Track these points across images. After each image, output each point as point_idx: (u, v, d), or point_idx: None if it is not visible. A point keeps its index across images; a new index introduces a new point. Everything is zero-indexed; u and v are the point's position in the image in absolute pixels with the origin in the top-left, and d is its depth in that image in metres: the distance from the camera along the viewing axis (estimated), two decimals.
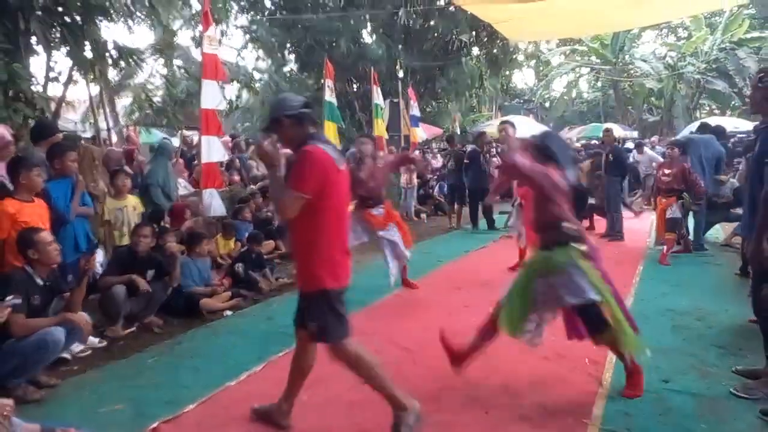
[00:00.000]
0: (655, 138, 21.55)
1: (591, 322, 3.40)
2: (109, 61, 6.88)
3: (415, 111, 13.79)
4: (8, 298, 3.47)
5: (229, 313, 5.53)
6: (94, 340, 4.55)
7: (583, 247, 3.46)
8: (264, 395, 3.62)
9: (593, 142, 18.78)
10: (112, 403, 3.53)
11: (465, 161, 10.70)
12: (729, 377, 3.77)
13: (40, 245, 3.77)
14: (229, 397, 3.65)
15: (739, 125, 19.32)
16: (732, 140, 14.56)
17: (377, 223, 5.88)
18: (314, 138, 2.92)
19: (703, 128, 9.26)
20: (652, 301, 5.63)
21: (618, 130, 23.83)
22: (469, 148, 11.64)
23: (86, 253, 4.11)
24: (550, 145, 3.61)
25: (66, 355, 4.19)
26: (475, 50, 19.52)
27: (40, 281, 3.81)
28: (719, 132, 9.00)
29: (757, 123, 4.07)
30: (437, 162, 15.74)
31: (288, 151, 3.07)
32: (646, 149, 14.01)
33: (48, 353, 3.63)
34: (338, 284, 2.96)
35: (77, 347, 4.33)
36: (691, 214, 7.98)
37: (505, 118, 9.77)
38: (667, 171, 7.55)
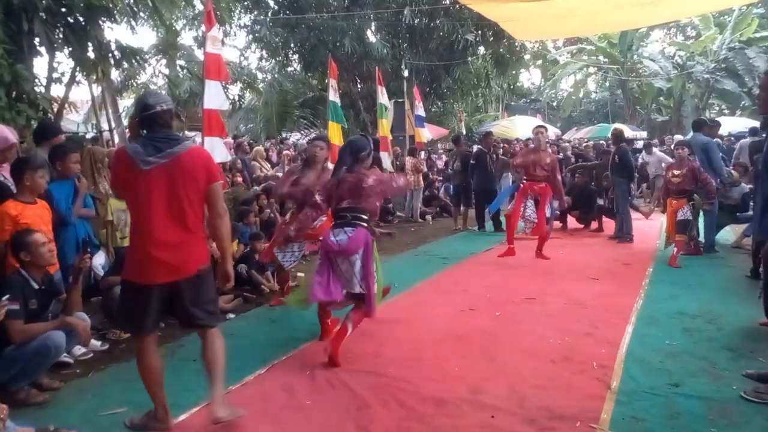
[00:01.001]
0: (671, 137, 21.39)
1: None
2: (112, 61, 6.85)
3: (420, 111, 13.73)
4: (5, 297, 3.45)
5: (231, 316, 5.49)
6: (96, 343, 4.51)
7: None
8: (267, 399, 3.60)
9: (601, 142, 18.68)
10: (114, 406, 3.50)
11: (471, 162, 10.63)
12: (740, 380, 3.72)
13: (33, 247, 3.71)
14: (232, 400, 3.57)
15: (748, 125, 19.18)
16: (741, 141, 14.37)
17: (317, 232, 5.19)
18: (139, 138, 3.10)
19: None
20: (662, 303, 5.57)
21: (626, 131, 23.75)
22: (476, 148, 11.56)
23: (80, 252, 4.07)
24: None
25: (68, 358, 4.17)
26: (481, 49, 19.48)
27: (35, 285, 3.76)
28: (698, 124, 8.77)
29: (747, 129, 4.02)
30: (441, 162, 15.69)
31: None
32: (655, 150, 13.89)
33: (50, 358, 3.61)
34: (133, 278, 3.11)
35: (79, 350, 4.30)
36: (702, 215, 7.90)
37: (539, 123, 9.94)
38: (676, 172, 7.46)
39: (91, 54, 6.61)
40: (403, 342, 4.57)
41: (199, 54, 15.78)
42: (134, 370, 4.07)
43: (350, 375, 3.95)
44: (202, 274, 3.15)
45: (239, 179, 9.61)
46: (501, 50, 19.08)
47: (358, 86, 18.83)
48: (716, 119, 12.27)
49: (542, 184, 7.53)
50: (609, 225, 9.92)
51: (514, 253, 7.59)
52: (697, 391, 3.59)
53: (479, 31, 17.95)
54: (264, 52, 19.55)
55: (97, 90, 9.05)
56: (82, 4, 5.96)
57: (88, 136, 9.28)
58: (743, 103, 28.41)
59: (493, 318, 5.24)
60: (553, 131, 24.72)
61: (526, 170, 7.68)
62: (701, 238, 8.08)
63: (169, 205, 3.02)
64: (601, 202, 10.27)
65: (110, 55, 6.79)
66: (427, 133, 15.49)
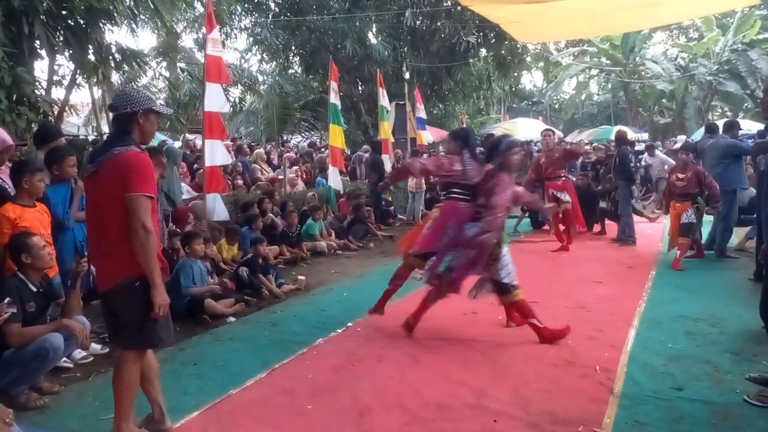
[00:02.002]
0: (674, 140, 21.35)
1: None
2: (113, 64, 6.86)
3: (422, 113, 13.72)
4: (6, 300, 3.44)
5: (232, 319, 5.47)
6: (96, 347, 4.51)
7: None
8: (267, 403, 3.59)
9: (601, 144, 18.62)
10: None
11: None
12: (743, 384, 3.69)
13: (33, 249, 3.71)
14: (233, 404, 3.59)
15: (752, 127, 19.14)
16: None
17: None
18: None
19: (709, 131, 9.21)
20: (664, 306, 5.54)
21: (629, 133, 23.63)
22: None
23: (76, 256, 4.06)
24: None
25: (68, 362, 4.16)
26: (483, 51, 19.45)
27: (33, 288, 3.75)
28: (713, 129, 8.94)
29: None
30: None
31: None
32: (658, 152, 13.85)
33: (48, 360, 3.59)
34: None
35: (79, 354, 4.30)
36: (715, 223, 7.93)
37: (545, 126, 10.31)
38: (681, 175, 7.42)
39: (91, 57, 6.62)
40: (405, 346, 4.55)
41: (200, 56, 15.76)
42: None
43: (352, 379, 3.93)
44: (119, 288, 2.96)
45: (240, 182, 9.60)
46: (503, 52, 19.06)
47: (360, 88, 18.82)
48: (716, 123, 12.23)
49: (561, 180, 8.45)
50: (612, 228, 9.89)
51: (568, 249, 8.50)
52: (699, 394, 3.58)
53: (481, 33, 17.92)
54: (265, 55, 19.56)
55: (97, 93, 9.06)
56: (82, 7, 5.96)
57: (89, 138, 9.27)
58: (746, 105, 28.38)
59: (496, 321, 5.21)
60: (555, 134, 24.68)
61: (540, 174, 8.63)
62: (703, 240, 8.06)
63: (94, 213, 3.03)
64: (603, 204, 10.22)
65: (111, 57, 6.79)
66: (428, 136, 15.48)
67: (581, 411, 3.39)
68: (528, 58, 26.81)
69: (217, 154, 6.52)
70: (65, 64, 7.38)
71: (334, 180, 10.02)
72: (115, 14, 6.69)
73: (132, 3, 7.27)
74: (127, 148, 2.93)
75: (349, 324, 5.17)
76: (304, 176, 11.92)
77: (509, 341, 4.67)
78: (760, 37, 25.53)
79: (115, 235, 2.91)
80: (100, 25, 6.41)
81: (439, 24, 17.69)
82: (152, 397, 3.22)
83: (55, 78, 6.73)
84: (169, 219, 6.83)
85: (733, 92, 26.54)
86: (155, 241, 2.91)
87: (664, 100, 31.91)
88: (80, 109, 13.72)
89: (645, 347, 4.42)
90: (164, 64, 16.10)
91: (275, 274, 6.65)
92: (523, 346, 4.55)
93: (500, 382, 3.83)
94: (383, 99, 11.84)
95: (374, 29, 18.26)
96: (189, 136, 12.08)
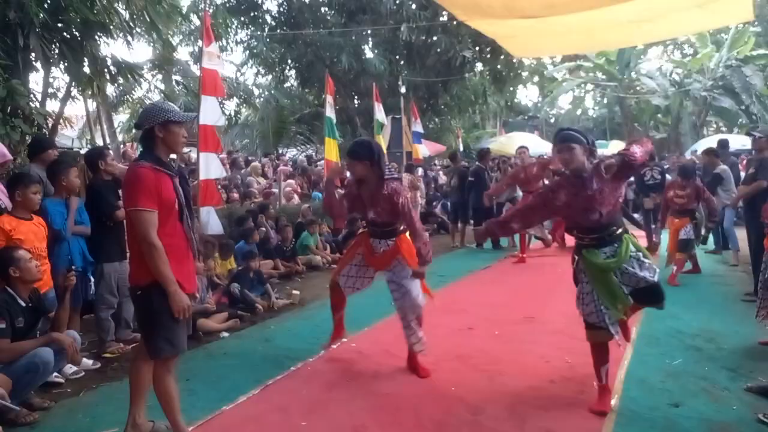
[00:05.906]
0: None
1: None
2: (108, 77, 6.86)
3: (418, 127, 13.77)
4: None
5: (225, 334, 5.43)
6: (87, 362, 4.47)
7: None
8: (261, 420, 3.55)
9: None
10: (106, 426, 3.44)
11: (469, 179, 10.61)
12: (740, 400, 3.68)
13: (21, 262, 3.69)
14: (226, 421, 3.55)
15: (746, 143, 19.24)
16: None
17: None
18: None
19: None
20: (661, 322, 5.49)
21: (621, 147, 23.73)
22: (473, 165, 11.58)
23: (65, 271, 4.04)
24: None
25: (59, 377, 4.12)
26: (479, 66, 19.59)
27: (22, 302, 3.73)
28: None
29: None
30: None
31: None
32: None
33: (38, 375, 3.56)
34: None
35: (70, 369, 4.26)
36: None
37: (521, 144, 10.60)
38: (680, 192, 7.45)
39: (86, 69, 6.62)
40: (401, 362, 4.50)
41: (195, 69, 15.82)
42: (126, 390, 3.99)
43: (347, 395, 3.90)
44: (133, 291, 3.09)
45: (235, 195, 9.58)
46: (498, 67, 19.19)
47: (355, 102, 18.91)
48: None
49: None
50: None
51: (524, 261, 8.83)
52: (697, 411, 3.56)
53: (477, 48, 18.06)
54: (261, 68, 19.65)
55: (92, 105, 9.07)
56: (78, 20, 5.97)
57: (83, 151, 9.27)
58: (740, 120, 28.54)
59: (493, 337, 5.19)
60: (551, 148, 24.85)
61: (521, 186, 9.26)
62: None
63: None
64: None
65: (106, 70, 6.79)
66: (424, 150, 15.52)
67: (578, 427, 3.37)
68: (523, 73, 26.97)
69: (211, 167, 6.52)
70: (60, 77, 7.41)
71: None
72: (111, 27, 6.71)
73: (128, 16, 7.31)
74: (137, 163, 3.02)
75: (344, 339, 5.12)
76: (299, 190, 11.91)
77: (506, 357, 4.64)
78: (755, 53, 25.73)
79: (131, 244, 3.12)
80: (96, 37, 6.42)
81: (434, 39, 17.81)
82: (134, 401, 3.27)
83: (50, 90, 6.74)
84: None
85: (727, 108, 26.71)
86: (160, 253, 2.90)
87: (659, 116, 32.09)
88: (75, 121, 13.74)
89: (642, 363, 4.40)
90: (159, 76, 16.17)
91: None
92: (519, 362, 4.52)
93: (497, 398, 3.80)
94: (379, 113, 11.87)
95: (370, 43, 18.37)
96: (184, 149, 12.10)
